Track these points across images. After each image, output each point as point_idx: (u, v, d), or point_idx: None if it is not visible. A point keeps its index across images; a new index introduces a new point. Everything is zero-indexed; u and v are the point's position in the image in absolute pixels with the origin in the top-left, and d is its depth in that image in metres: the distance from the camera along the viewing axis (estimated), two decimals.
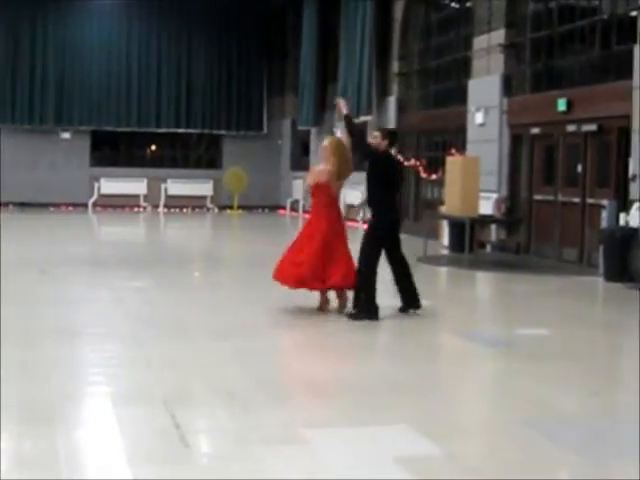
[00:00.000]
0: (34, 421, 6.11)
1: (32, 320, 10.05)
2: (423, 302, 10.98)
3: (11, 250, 17.72)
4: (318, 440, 5.79)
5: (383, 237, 10.65)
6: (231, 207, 33.00)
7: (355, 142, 11.02)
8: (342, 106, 11.22)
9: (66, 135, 33.26)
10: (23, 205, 31.61)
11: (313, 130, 30.22)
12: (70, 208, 32.09)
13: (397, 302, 10.92)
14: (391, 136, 11.01)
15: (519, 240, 18.81)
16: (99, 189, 32.98)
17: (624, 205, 15.28)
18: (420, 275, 15.58)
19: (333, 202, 10.92)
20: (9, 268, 14.77)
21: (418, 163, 23.70)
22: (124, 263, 16.29)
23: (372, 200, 10.73)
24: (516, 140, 19.29)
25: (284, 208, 32.83)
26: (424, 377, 7.86)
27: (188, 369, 7.85)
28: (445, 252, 19.11)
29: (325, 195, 10.77)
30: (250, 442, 5.74)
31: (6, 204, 31.53)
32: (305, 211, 28.90)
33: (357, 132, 11.31)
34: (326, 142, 11.12)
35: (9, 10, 32.11)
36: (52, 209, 31.59)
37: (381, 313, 10.41)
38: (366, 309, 10.39)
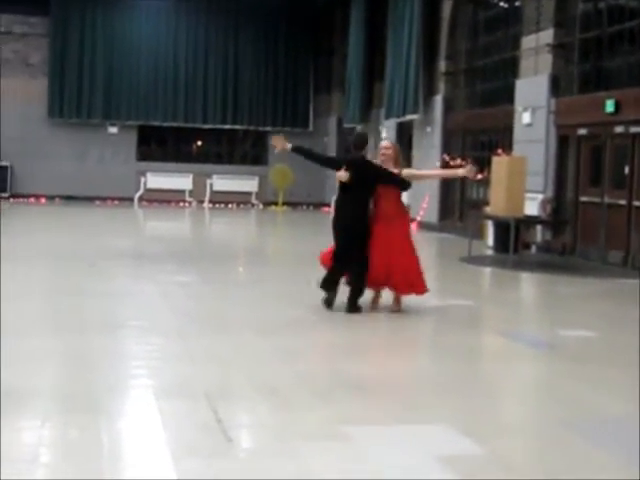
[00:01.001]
0: (78, 411, 6.17)
1: (78, 312, 10.16)
2: (466, 302, 10.91)
3: (59, 242, 17.93)
4: (358, 437, 5.80)
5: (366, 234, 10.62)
6: (276, 203, 33.09)
7: (320, 162, 11.46)
8: (280, 144, 11.04)
9: (113, 129, 33.54)
10: (70, 198, 31.91)
11: (359, 128, 30.21)
12: (116, 202, 32.33)
13: (440, 302, 10.88)
14: (355, 141, 11.00)
15: (564, 241, 18.70)
16: (145, 184, 33.22)
17: None
18: (464, 275, 15.63)
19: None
20: (58, 260, 14.95)
21: (464, 162, 23.63)
22: (169, 258, 16.39)
23: (354, 205, 10.63)
24: (563, 141, 19.17)
25: (329, 205, 32.84)
26: (466, 376, 7.85)
27: (230, 364, 7.88)
28: (490, 252, 19.02)
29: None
30: (291, 438, 5.76)
31: (53, 197, 31.87)
32: None
33: (314, 155, 11.39)
34: (388, 144, 11.10)
35: (59, 7, 32.42)
36: (98, 203, 31.84)
37: (423, 312, 10.42)
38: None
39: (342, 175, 10.57)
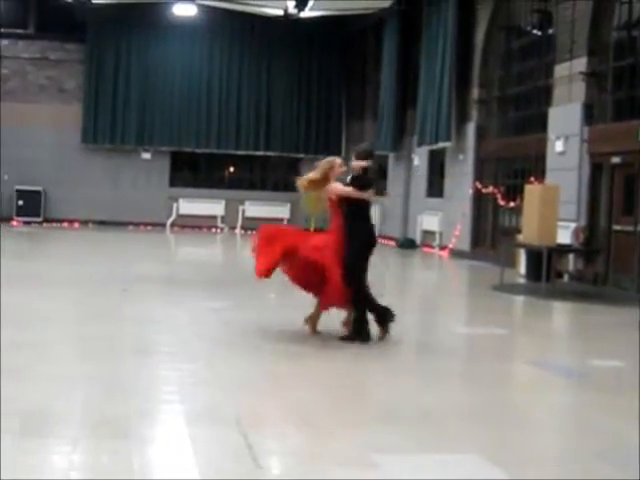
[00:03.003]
0: (109, 436, 6.18)
1: (109, 337, 10.17)
2: (498, 331, 10.88)
3: (91, 267, 18.02)
4: (389, 465, 5.77)
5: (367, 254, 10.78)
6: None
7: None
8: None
9: (147, 155, 33.74)
10: (103, 223, 32.09)
11: (391, 155, 30.21)
12: (149, 227, 32.47)
13: (471, 330, 10.83)
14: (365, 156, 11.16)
15: (597, 270, 18.59)
16: (177, 209, 33.34)
17: None
18: (496, 304, 15.56)
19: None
20: (90, 285, 15.02)
21: (496, 190, 23.58)
22: (200, 283, 16.43)
23: (352, 219, 11.11)
24: (596, 169, 19.08)
25: None
26: (496, 405, 7.80)
27: (262, 390, 7.89)
28: (522, 281, 18.95)
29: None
30: (322, 465, 5.75)
31: (86, 222, 32.07)
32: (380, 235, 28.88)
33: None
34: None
35: (94, 34, 32.72)
36: (131, 228, 31.99)
37: (454, 340, 10.37)
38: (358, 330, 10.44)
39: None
